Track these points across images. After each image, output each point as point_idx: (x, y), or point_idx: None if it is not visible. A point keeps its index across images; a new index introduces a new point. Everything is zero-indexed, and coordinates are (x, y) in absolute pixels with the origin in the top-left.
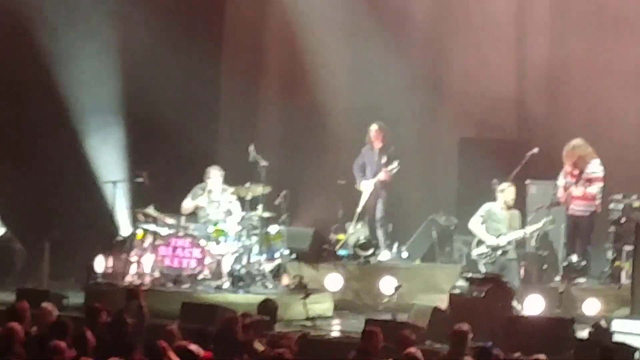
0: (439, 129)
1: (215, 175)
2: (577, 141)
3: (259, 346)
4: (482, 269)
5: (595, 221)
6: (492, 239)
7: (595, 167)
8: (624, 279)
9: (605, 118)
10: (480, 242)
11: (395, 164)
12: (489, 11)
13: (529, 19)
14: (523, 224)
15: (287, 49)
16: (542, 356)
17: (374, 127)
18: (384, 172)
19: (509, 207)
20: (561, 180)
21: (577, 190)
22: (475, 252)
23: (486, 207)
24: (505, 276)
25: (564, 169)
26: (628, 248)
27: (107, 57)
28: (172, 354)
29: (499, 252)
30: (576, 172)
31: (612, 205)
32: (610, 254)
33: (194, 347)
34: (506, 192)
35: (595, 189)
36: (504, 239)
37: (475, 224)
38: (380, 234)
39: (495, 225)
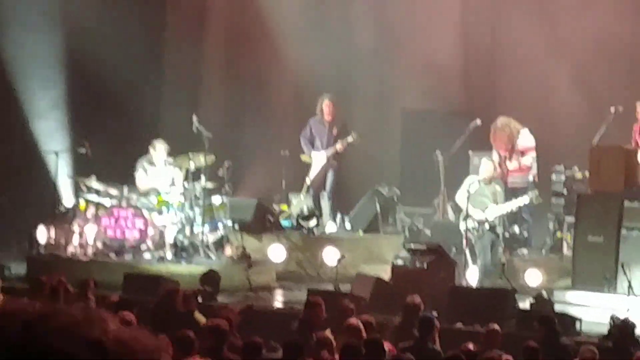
0: (382, 99)
1: (159, 148)
2: (500, 121)
3: (200, 317)
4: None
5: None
6: (479, 212)
7: (525, 138)
8: (566, 250)
9: (547, 90)
10: (467, 216)
11: (354, 135)
12: None
13: None
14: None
15: (231, 18)
16: (496, 325)
17: (325, 100)
18: (339, 143)
19: (490, 181)
20: (495, 156)
21: (511, 164)
22: (462, 227)
23: (470, 180)
24: (493, 251)
25: (495, 146)
26: (570, 219)
27: (49, 25)
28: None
29: (487, 226)
30: (509, 146)
31: (554, 177)
32: (552, 225)
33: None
34: (483, 166)
35: (529, 159)
36: (491, 213)
37: (461, 197)
38: (326, 205)
39: (480, 198)
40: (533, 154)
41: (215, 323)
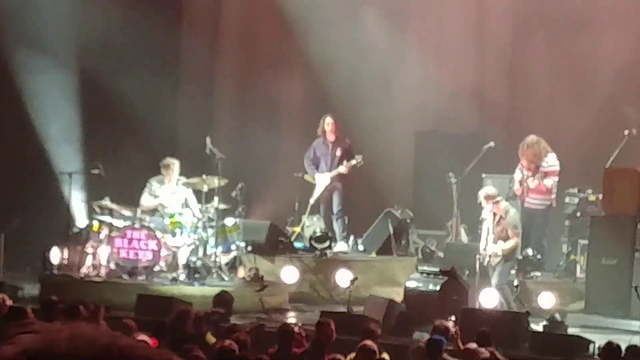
0: (396, 121)
1: (172, 167)
2: (531, 138)
3: (211, 338)
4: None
5: (550, 215)
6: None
7: (551, 161)
8: (579, 273)
9: (563, 113)
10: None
11: (359, 158)
12: (448, 1)
13: (490, 11)
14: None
15: (244, 41)
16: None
17: (328, 120)
18: (344, 166)
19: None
20: (518, 174)
21: (532, 183)
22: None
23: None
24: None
25: (521, 163)
26: (583, 242)
27: (62, 45)
28: None
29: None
30: (532, 166)
31: (567, 199)
32: (565, 248)
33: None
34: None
35: (550, 181)
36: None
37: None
38: (337, 226)
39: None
40: (556, 178)
41: (225, 344)
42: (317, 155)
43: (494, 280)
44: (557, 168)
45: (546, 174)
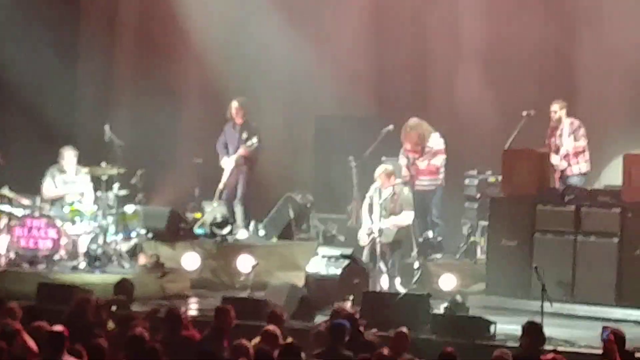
0: (295, 105)
1: (69, 155)
2: (413, 121)
3: (111, 326)
4: None
5: (441, 195)
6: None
7: (436, 140)
8: (479, 255)
9: (459, 95)
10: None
11: (254, 139)
12: None
13: None
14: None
15: (142, 24)
16: (404, 329)
17: (234, 104)
18: (242, 148)
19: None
20: (403, 160)
21: (422, 163)
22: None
23: (372, 188)
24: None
25: (403, 148)
26: (483, 223)
27: None
28: (25, 335)
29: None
30: (418, 148)
31: (467, 181)
32: (465, 230)
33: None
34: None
35: (439, 160)
36: (381, 224)
37: (364, 207)
38: (239, 211)
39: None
40: (443, 156)
41: (135, 331)
42: (226, 139)
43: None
44: (443, 146)
45: (434, 153)
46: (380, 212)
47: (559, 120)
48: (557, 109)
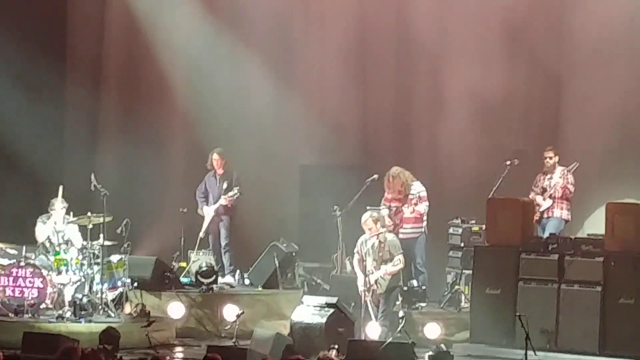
0: (280, 155)
1: (59, 206)
2: (394, 169)
3: None
4: None
5: (425, 243)
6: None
7: (419, 187)
8: (464, 303)
9: (445, 145)
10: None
11: (235, 190)
12: (331, 34)
13: (373, 45)
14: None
15: (128, 76)
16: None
17: (214, 155)
18: (224, 198)
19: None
20: (385, 210)
21: (407, 210)
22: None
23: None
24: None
25: (384, 198)
26: (467, 272)
27: None
28: None
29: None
30: (401, 196)
31: (451, 230)
32: (450, 278)
33: None
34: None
35: (423, 207)
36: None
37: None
38: (225, 259)
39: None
40: (427, 203)
41: None
42: (207, 189)
43: (380, 312)
44: (426, 193)
45: (420, 199)
46: (372, 263)
47: (553, 167)
48: (552, 155)
